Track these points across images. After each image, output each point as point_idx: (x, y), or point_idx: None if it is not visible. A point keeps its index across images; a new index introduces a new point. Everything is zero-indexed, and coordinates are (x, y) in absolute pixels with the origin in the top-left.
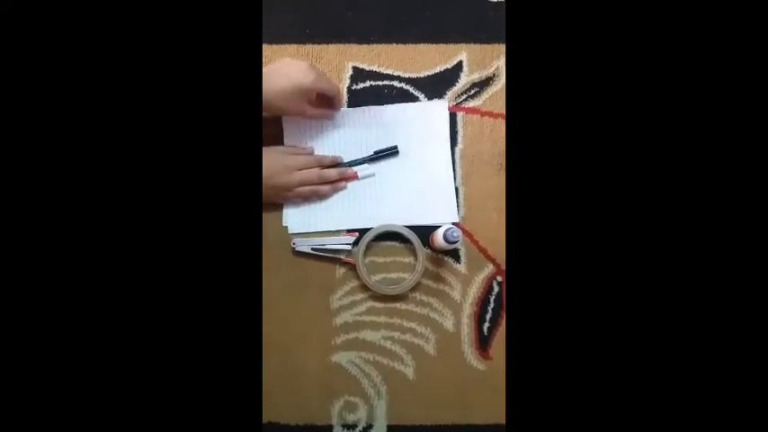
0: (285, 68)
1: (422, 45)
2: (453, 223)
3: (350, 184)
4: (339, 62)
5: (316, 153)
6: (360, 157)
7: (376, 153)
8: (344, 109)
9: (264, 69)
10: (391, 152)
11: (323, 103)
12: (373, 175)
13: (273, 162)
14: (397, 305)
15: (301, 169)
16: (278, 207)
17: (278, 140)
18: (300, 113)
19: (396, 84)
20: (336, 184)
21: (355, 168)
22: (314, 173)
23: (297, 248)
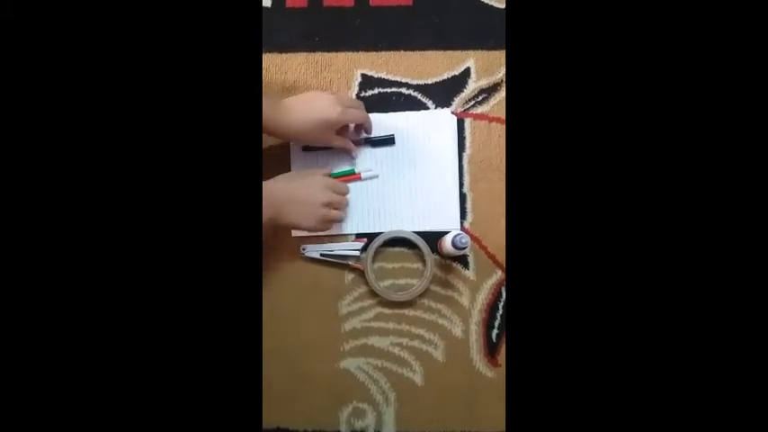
0: (312, 101)
1: (429, 52)
2: (462, 229)
3: (354, 189)
4: (348, 70)
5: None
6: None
7: (374, 138)
8: None
9: (290, 100)
10: (388, 139)
11: (346, 131)
12: (377, 176)
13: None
14: (406, 311)
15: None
16: None
17: (285, 166)
18: (326, 143)
19: (404, 91)
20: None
21: (358, 170)
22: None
23: (306, 254)
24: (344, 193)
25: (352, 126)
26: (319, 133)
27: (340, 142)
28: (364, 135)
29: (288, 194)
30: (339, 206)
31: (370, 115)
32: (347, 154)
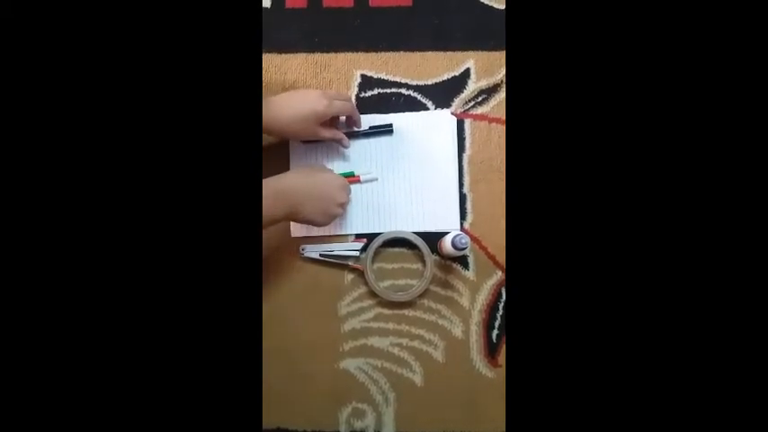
0: (297, 96)
1: (429, 53)
2: (461, 229)
3: (354, 190)
4: (347, 70)
5: (326, 161)
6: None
7: (371, 128)
8: None
9: (277, 98)
10: (386, 130)
11: (336, 123)
12: (376, 179)
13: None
14: (405, 312)
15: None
16: None
17: (284, 163)
18: (315, 136)
19: (403, 91)
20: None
21: (358, 173)
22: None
23: (305, 254)
24: (350, 193)
25: (342, 119)
26: (307, 126)
27: (329, 133)
28: (355, 128)
29: (308, 191)
30: (345, 207)
31: (371, 116)
32: (338, 144)
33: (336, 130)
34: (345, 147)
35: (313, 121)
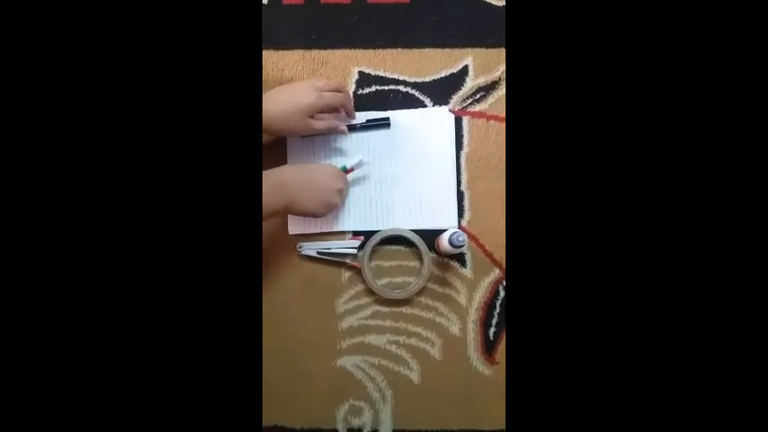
0: (286, 90)
1: (427, 50)
2: (459, 227)
3: (352, 188)
4: (345, 67)
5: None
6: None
7: (368, 121)
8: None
9: (266, 95)
10: (383, 123)
11: (335, 115)
12: (367, 162)
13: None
14: (403, 309)
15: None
16: None
17: (281, 160)
18: (308, 130)
19: (401, 88)
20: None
21: (349, 165)
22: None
23: (303, 252)
24: (348, 183)
25: (342, 112)
26: (298, 122)
27: (323, 124)
28: (353, 121)
29: (305, 182)
30: (344, 195)
31: (368, 113)
32: (335, 133)
33: (330, 119)
34: (344, 134)
35: (303, 114)
